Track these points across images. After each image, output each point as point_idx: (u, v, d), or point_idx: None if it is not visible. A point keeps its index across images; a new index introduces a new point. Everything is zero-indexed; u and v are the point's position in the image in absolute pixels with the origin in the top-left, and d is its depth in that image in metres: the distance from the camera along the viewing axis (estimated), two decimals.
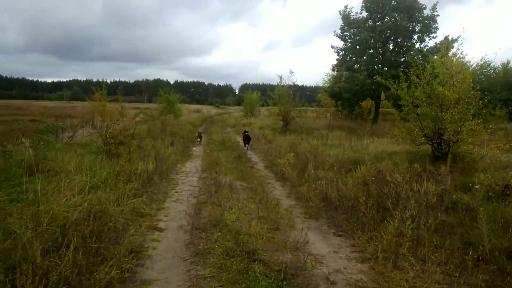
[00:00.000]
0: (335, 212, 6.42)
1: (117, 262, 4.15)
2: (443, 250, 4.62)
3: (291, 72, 21.48)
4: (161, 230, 5.63)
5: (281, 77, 22.12)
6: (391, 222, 5.05)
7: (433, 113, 9.66)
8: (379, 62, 20.75)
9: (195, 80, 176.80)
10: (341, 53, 24.44)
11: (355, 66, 23.76)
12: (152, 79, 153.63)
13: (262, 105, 49.65)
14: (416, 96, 10.27)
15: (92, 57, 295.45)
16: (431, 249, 4.72)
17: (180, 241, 5.19)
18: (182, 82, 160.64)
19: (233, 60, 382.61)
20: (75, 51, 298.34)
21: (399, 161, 9.12)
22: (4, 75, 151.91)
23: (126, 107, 52.76)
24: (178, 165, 11.62)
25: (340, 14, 22.44)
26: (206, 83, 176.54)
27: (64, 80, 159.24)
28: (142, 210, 6.27)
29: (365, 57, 21.68)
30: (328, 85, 36.43)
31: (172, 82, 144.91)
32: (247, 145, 16.48)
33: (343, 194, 6.64)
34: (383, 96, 23.48)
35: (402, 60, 21.33)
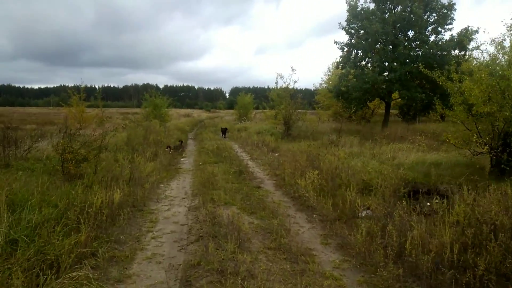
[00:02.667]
0: None
1: None
2: None
3: (293, 70, 18.86)
4: None
5: (281, 76, 19.52)
6: None
7: (507, 113, 7.12)
8: (391, 57, 18.25)
9: (185, 84, 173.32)
10: (345, 49, 21.96)
11: (363, 62, 21.29)
12: (141, 84, 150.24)
13: (257, 108, 47.07)
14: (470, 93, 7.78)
15: (82, 63, 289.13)
16: None
17: None
18: (171, 87, 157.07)
19: (224, 64, 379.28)
20: (65, 57, 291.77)
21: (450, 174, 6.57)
22: None
23: (113, 113, 49.91)
24: (162, 185, 8.88)
25: (346, 3, 19.97)
26: (196, 87, 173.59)
27: (52, 86, 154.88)
28: None
29: (374, 52, 19.17)
30: (326, 85, 34.07)
31: (162, 86, 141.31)
32: (224, 136, 21.39)
33: (430, 251, 4.00)
34: (395, 95, 21.02)
35: (415, 54, 18.89)
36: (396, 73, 17.55)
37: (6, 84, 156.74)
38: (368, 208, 6.16)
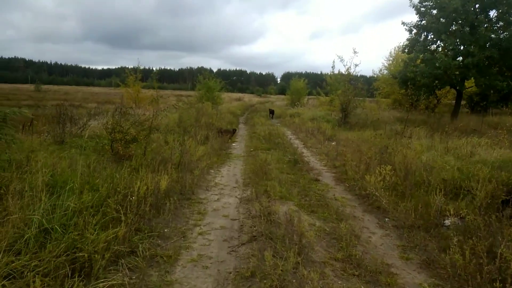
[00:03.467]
0: None
1: None
2: None
3: (355, 52, 17.25)
4: None
5: (341, 58, 18.04)
6: None
7: None
8: (469, 39, 15.95)
9: (237, 69, 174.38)
10: (414, 30, 19.82)
11: (433, 46, 19.09)
12: (196, 67, 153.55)
13: (309, 94, 45.42)
14: None
15: (142, 45, 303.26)
16: None
17: None
18: (224, 71, 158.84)
19: (277, 49, 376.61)
20: (127, 40, 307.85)
21: None
22: (59, 62, 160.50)
23: (168, 94, 51.05)
24: (212, 171, 8.31)
25: None
26: (248, 71, 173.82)
27: (114, 67, 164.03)
28: None
29: (449, 33, 16.94)
30: (387, 71, 31.63)
31: (215, 70, 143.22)
32: (272, 116, 24.07)
33: None
34: (469, 83, 18.66)
35: (498, 37, 16.38)
36: (474, 58, 15.35)
37: (73, 65, 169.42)
38: (457, 216, 5.04)
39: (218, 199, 6.18)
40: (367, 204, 6.05)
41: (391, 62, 32.50)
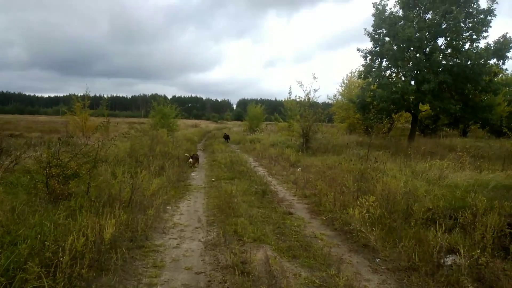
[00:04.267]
0: None
1: None
2: None
3: (314, 78, 17.14)
4: None
5: (300, 83, 17.84)
6: None
7: None
8: (423, 65, 16.51)
9: (192, 95, 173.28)
10: (368, 57, 20.34)
11: (388, 72, 19.62)
12: (150, 94, 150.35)
13: (266, 120, 45.40)
14: None
15: (94, 73, 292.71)
16: None
17: None
18: (179, 97, 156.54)
19: (233, 77, 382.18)
20: (78, 67, 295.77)
21: None
22: (1, 90, 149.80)
23: (120, 122, 48.54)
24: (169, 208, 7.21)
25: (373, 7, 18.36)
26: (204, 98, 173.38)
27: (62, 95, 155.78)
28: None
29: (405, 60, 17.46)
30: (341, 96, 32.41)
31: (170, 97, 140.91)
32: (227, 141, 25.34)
33: None
34: (423, 107, 19.23)
35: (449, 63, 17.14)
36: (430, 84, 15.82)
37: (17, 92, 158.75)
38: (455, 253, 4.44)
39: (177, 244, 5.11)
40: (352, 241, 5.30)
41: (344, 88, 33.39)
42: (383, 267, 4.44)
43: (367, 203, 5.48)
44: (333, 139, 18.42)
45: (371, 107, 18.97)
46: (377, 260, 4.66)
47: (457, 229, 4.95)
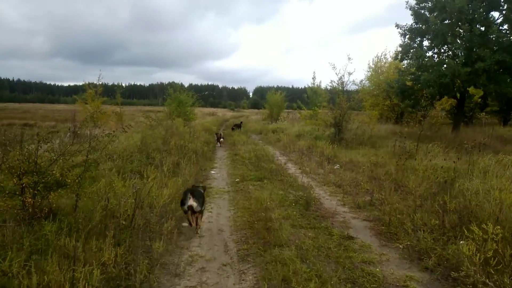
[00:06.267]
0: None
1: None
2: None
3: (349, 59, 14.96)
4: None
5: (333, 66, 15.68)
6: None
7: None
8: (478, 42, 14.03)
9: (209, 83, 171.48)
10: (408, 35, 17.93)
11: (431, 52, 17.20)
12: (167, 82, 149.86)
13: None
14: None
15: (114, 61, 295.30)
16: None
17: None
18: (196, 85, 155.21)
19: (251, 64, 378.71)
20: (99, 56, 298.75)
21: None
22: (22, 79, 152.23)
23: (136, 111, 47.39)
24: (185, 225, 5.46)
25: None
26: (220, 86, 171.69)
27: (81, 83, 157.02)
28: None
29: (455, 36, 14.99)
30: (368, 82, 29.86)
31: (186, 85, 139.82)
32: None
33: None
34: (473, 91, 16.75)
35: (508, 40, 14.56)
36: (485, 62, 13.43)
37: (38, 81, 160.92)
38: None
39: None
40: None
41: (371, 72, 30.83)
42: None
43: (489, 233, 3.53)
44: (369, 129, 16.29)
45: (411, 93, 16.73)
46: None
47: None
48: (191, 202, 4.81)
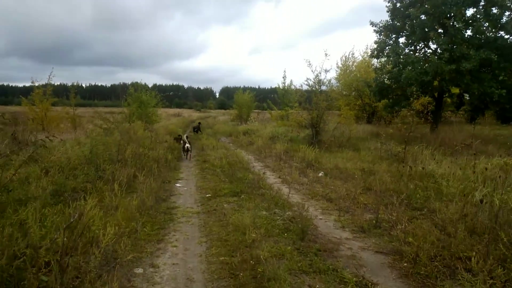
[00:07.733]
0: None
1: None
2: None
3: (326, 55, 13.81)
4: None
5: (309, 63, 14.45)
6: None
7: None
8: (461, 38, 13.31)
9: (174, 83, 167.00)
10: (382, 32, 17.15)
11: (407, 49, 16.47)
12: (129, 83, 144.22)
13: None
14: None
15: (75, 61, 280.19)
16: None
17: None
18: (160, 85, 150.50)
19: (217, 64, 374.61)
20: (58, 55, 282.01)
21: None
22: None
23: (96, 112, 44.20)
24: (139, 272, 3.89)
25: None
26: (185, 86, 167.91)
27: (37, 84, 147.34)
28: None
29: (437, 32, 14.22)
30: (337, 82, 29.11)
31: (150, 85, 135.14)
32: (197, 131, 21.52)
33: None
34: (455, 90, 16.14)
35: (491, 36, 13.95)
36: (470, 62, 12.71)
37: None
38: None
39: None
40: None
41: (340, 72, 30.15)
42: None
43: None
44: (347, 131, 15.26)
45: (379, 94, 15.89)
46: None
47: None
48: (188, 145, 11.36)
